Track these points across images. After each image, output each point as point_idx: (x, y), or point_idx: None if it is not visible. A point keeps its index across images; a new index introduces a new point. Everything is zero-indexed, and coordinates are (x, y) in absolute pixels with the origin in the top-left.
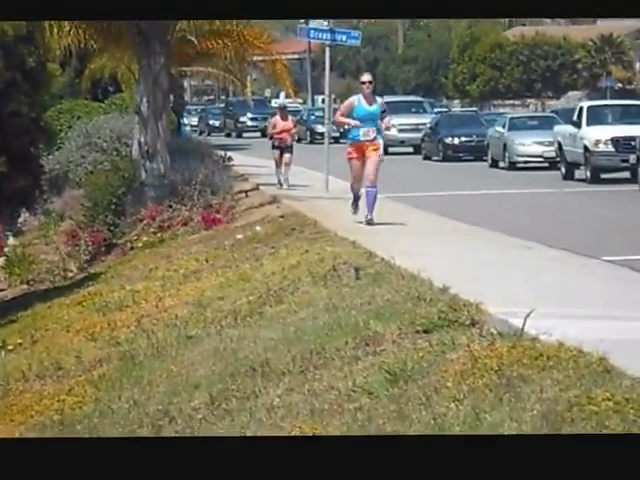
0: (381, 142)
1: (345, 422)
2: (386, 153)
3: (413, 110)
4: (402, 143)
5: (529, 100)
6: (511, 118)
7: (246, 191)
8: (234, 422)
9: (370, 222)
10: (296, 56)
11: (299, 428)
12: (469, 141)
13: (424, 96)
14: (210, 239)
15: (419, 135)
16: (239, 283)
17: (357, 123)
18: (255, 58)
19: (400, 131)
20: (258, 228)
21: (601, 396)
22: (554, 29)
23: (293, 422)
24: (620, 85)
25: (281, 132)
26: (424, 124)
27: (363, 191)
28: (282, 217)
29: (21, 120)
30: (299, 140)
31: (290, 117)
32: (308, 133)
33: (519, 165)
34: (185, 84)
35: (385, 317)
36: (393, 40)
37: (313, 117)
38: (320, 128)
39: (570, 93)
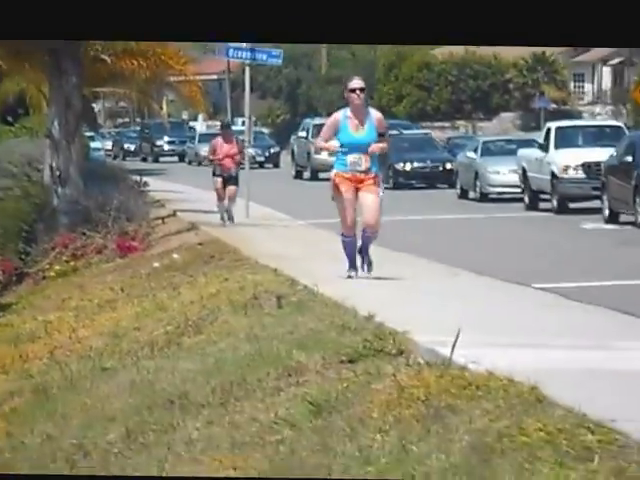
0: (380, 175)
1: (267, 455)
2: (316, 179)
3: None
4: (332, 168)
5: (459, 122)
6: (484, 142)
7: (163, 217)
8: (151, 456)
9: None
10: (215, 77)
11: (219, 462)
12: (423, 167)
13: None
14: (125, 267)
15: None
16: (156, 313)
17: (335, 147)
18: (172, 79)
19: (331, 154)
20: (175, 256)
21: (532, 426)
22: (484, 47)
23: (213, 455)
24: (554, 106)
25: (224, 158)
26: None
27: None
28: (200, 244)
29: None
30: (190, 162)
31: (235, 139)
32: None
33: (492, 196)
34: (98, 106)
35: (308, 347)
36: (316, 59)
37: None
38: None
39: (502, 114)
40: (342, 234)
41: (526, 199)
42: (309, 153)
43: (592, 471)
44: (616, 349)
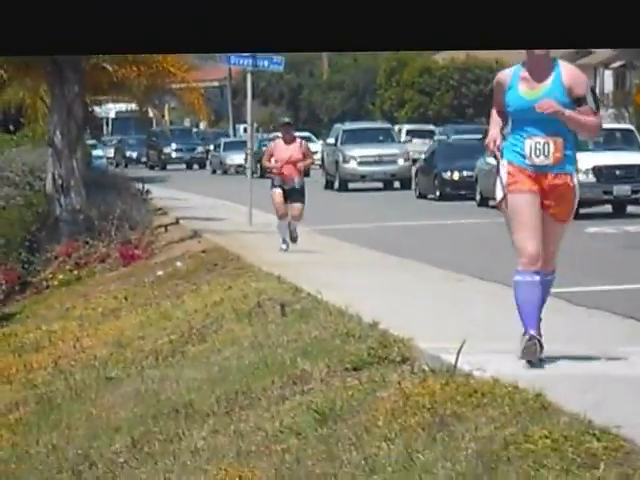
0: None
1: (273, 464)
2: (345, 189)
3: (380, 139)
4: (363, 178)
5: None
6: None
7: (166, 225)
8: (157, 466)
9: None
10: (216, 83)
11: (225, 471)
12: (471, 176)
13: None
14: (129, 276)
15: (384, 168)
16: (160, 322)
17: (497, 140)
18: (173, 86)
19: (361, 164)
20: (179, 264)
21: (538, 434)
22: (485, 52)
23: (218, 465)
24: None
25: (283, 165)
26: (391, 155)
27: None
28: (204, 252)
29: None
30: (214, 171)
31: (299, 139)
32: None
33: None
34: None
35: (313, 355)
36: (317, 65)
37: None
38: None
39: None
40: (518, 269)
41: None
42: (337, 162)
43: (598, 478)
44: (621, 355)
